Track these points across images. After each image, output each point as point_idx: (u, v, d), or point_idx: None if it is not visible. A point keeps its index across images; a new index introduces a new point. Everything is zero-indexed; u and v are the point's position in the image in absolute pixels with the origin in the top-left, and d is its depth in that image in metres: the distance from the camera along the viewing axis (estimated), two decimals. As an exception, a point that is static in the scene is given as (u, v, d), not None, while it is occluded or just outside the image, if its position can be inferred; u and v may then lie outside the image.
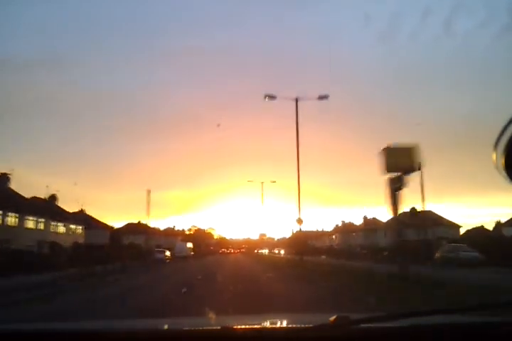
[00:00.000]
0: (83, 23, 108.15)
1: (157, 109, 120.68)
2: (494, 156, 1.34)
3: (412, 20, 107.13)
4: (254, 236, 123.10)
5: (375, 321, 1.66)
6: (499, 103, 73.81)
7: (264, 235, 60.03)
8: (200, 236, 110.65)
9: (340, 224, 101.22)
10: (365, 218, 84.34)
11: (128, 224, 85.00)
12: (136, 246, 55.09)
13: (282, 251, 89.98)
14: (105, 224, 67.12)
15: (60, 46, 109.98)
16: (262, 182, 52.75)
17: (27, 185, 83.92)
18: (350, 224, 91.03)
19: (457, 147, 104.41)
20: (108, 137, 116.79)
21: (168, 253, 48.89)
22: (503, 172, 1.33)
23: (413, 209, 63.15)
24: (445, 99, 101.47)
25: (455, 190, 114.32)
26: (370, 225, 75.52)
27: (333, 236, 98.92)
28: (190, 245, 64.24)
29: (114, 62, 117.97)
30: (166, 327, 2.19)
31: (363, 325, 1.61)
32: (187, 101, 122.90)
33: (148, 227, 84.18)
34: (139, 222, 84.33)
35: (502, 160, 1.32)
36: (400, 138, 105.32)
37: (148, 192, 59.94)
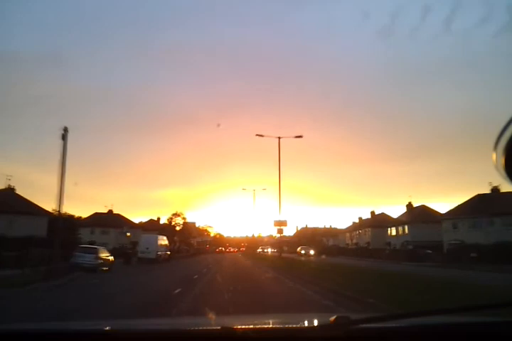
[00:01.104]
0: (83, 22, 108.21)
1: (156, 108, 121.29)
2: (494, 156, 1.35)
3: (411, 19, 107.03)
4: (253, 234, 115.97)
5: (375, 321, 1.69)
6: (499, 101, 73.90)
7: (282, 226, 36.77)
8: (189, 231, 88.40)
9: (361, 218, 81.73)
10: (409, 206, 63.08)
11: (95, 213, 64.98)
12: (74, 241, 35.23)
13: (312, 251, 63.12)
14: (46, 211, 39.85)
15: (58, 45, 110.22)
16: (279, 143, 34.38)
17: (26, 184, 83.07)
18: (385, 216, 72.24)
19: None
20: (107, 135, 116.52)
21: (104, 253, 26.27)
22: (503, 172, 1.35)
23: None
24: (444, 97, 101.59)
25: (447, 189, 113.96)
26: (419, 216, 55.41)
27: (357, 232, 79.11)
28: (164, 241, 41.34)
29: (114, 61, 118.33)
30: (166, 327, 2.21)
31: (362, 325, 1.64)
32: (186, 100, 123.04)
33: (123, 219, 68.37)
34: (109, 212, 65.99)
35: (502, 160, 1.34)
36: (400, 137, 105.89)
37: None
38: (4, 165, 76.49)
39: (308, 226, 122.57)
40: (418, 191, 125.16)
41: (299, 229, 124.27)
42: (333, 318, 1.62)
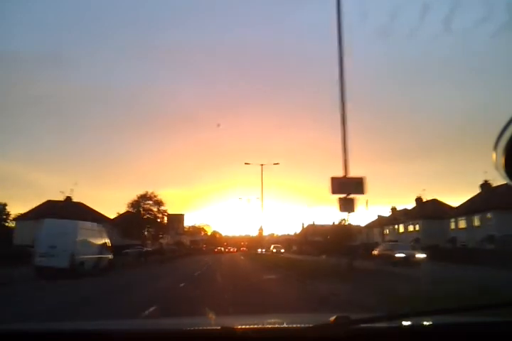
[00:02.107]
0: (83, 22, 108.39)
1: (156, 108, 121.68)
2: (494, 156, 1.37)
3: (410, 19, 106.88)
4: (254, 233, 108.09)
5: (375, 321, 1.73)
6: (499, 101, 73.67)
7: (351, 192, 16.34)
8: (175, 225, 67.38)
9: (395, 208, 62.47)
10: (485, 187, 46.28)
11: (47, 202, 52.83)
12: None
13: (422, 255, 29.24)
14: None
15: (58, 45, 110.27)
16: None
17: (25, 182, 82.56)
18: (439, 204, 54.91)
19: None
20: (107, 135, 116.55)
21: None
22: (503, 172, 1.38)
23: None
24: (444, 97, 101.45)
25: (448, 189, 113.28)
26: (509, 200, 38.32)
27: (392, 227, 61.25)
28: (97, 235, 23.17)
29: (114, 61, 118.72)
30: (166, 327, 2.24)
31: (363, 325, 1.67)
32: (186, 100, 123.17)
33: (87, 209, 53.86)
34: (67, 200, 52.73)
35: (502, 160, 1.36)
36: (400, 137, 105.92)
37: None
38: (3, 164, 76.37)
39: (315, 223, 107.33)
40: (418, 191, 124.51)
41: (304, 226, 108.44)
42: (333, 318, 1.65)
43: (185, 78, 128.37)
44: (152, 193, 51.30)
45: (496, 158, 1.38)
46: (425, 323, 1.84)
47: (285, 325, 2.28)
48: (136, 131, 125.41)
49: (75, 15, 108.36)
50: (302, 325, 2.07)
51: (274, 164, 46.43)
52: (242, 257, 55.68)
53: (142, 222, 49.58)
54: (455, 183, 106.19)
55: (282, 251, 66.75)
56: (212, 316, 2.48)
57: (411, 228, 56.29)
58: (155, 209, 51.62)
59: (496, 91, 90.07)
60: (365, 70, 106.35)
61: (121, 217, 51.68)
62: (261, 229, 51.57)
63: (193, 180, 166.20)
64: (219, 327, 1.74)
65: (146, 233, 51.86)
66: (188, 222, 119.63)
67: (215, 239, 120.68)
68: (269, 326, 2.20)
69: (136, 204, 50.50)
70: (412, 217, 54.79)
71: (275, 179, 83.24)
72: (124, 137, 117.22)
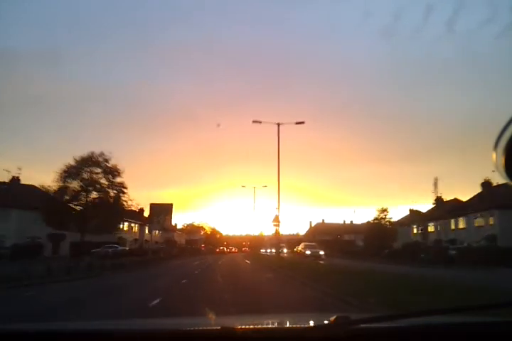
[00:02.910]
0: (82, 20, 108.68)
1: (156, 107, 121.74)
2: (494, 156, 1.38)
3: (413, 19, 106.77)
4: (255, 232, 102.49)
5: (375, 321, 1.75)
6: (501, 102, 73.56)
7: None
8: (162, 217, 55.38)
9: (440, 197, 43.40)
10: None
11: None
12: None
13: None
14: None
15: (57, 43, 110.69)
16: None
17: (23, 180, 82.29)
18: None
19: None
20: (105, 134, 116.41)
21: None
22: (503, 172, 1.39)
23: None
24: (446, 98, 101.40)
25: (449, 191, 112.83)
26: None
27: (443, 222, 46.33)
28: None
29: (113, 60, 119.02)
30: (166, 327, 2.26)
31: (363, 325, 1.69)
32: (186, 99, 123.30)
33: (41, 192, 34.81)
34: (13, 181, 41.73)
35: (502, 160, 1.37)
36: (402, 138, 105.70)
37: None
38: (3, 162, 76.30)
39: (324, 221, 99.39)
40: (418, 192, 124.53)
41: (312, 225, 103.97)
42: (333, 318, 1.68)
43: (184, 77, 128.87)
44: (101, 154, 31.67)
45: (496, 158, 1.39)
46: (425, 323, 1.86)
47: (285, 325, 2.31)
48: (135, 130, 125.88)
49: (73, 13, 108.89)
50: (302, 325, 2.09)
51: (297, 123, 32.17)
52: (247, 261, 39.76)
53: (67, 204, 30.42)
54: (459, 185, 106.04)
55: (322, 253, 43.94)
56: (212, 316, 2.50)
57: (479, 222, 41.53)
58: (105, 182, 31.75)
59: (499, 92, 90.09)
60: (366, 70, 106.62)
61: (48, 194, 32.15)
62: (277, 220, 31.99)
63: (193, 179, 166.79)
64: (219, 327, 1.76)
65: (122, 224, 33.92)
66: (186, 221, 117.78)
67: (215, 239, 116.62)
68: (269, 326, 2.23)
69: (74, 173, 30.86)
70: (482, 208, 40.75)
71: (274, 179, 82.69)
72: (122, 136, 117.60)
